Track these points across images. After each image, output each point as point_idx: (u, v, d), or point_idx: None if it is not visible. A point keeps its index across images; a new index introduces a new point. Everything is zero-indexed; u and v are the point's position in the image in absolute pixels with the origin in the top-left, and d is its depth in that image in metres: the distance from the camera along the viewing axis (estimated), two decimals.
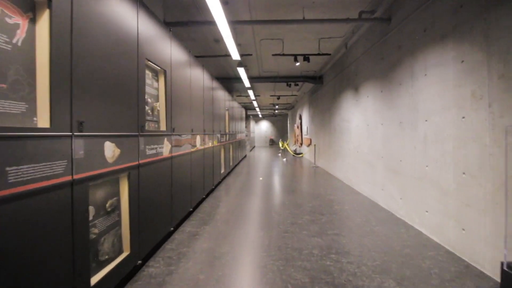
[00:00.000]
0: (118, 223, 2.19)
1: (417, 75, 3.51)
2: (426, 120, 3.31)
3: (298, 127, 15.61)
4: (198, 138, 4.39)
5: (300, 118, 14.86)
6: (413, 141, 3.60)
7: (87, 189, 1.73)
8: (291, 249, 2.91)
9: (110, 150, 1.95)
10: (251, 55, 5.61)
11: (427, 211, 3.32)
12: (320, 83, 9.05)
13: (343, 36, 5.42)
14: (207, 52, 5.93)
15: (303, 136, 13.96)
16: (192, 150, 4.07)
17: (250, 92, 9.88)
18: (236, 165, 9.90)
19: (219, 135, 6.32)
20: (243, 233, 3.36)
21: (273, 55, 5.64)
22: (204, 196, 4.83)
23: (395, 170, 4.08)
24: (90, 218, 1.86)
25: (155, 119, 2.92)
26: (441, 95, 3.04)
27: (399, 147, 3.94)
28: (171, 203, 3.16)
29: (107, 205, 2.05)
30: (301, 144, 14.83)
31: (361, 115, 5.47)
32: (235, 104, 9.85)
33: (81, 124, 1.66)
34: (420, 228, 3.45)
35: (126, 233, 2.25)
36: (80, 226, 1.66)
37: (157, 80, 3.02)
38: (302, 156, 12.59)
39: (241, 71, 6.54)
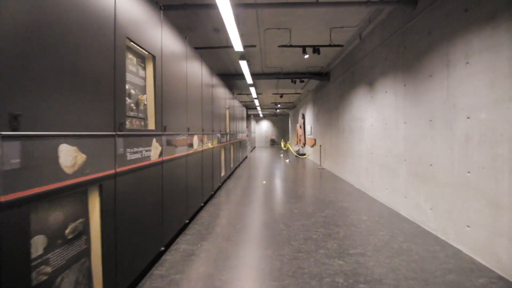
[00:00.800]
0: (85, 253, 1.64)
1: (454, 64, 2.96)
2: (468, 118, 2.76)
3: (300, 127, 15.07)
4: (195, 138, 3.84)
5: (303, 117, 14.32)
6: (448, 142, 3.05)
7: (27, 214, 1.18)
8: (308, 276, 2.36)
9: (69, 156, 1.40)
10: (254, 46, 5.07)
11: (468, 226, 2.77)
12: (327, 80, 8.51)
13: (357, 26, 4.87)
14: (206, 44, 5.39)
15: (307, 136, 13.41)
16: (189, 152, 3.52)
17: (252, 90, 9.33)
18: (237, 167, 9.35)
19: (219, 135, 5.77)
20: (247, 253, 2.81)
21: (279, 46, 5.10)
22: (202, 204, 4.28)
23: (423, 176, 3.53)
24: (39, 252, 1.31)
25: (141, 115, 2.37)
26: (491, 87, 2.49)
27: (429, 149, 3.40)
28: (161, 217, 2.60)
29: (67, 231, 1.50)
30: (304, 144, 14.28)
31: (377, 113, 4.92)
32: (236, 103, 9.30)
33: (15, 118, 1.11)
34: (459, 245, 2.91)
35: (97, 265, 1.69)
36: (13, 271, 1.11)
37: (144, 68, 2.47)
38: (306, 157, 12.04)
39: (243, 65, 5.99)
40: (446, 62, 3.08)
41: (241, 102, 12.45)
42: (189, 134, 3.51)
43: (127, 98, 2.10)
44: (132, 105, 2.21)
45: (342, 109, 7.18)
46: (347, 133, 6.73)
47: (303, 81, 8.12)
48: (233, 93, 9.00)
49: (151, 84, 2.49)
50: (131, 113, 2.20)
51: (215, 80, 5.39)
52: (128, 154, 1.99)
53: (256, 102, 13.07)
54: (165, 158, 2.67)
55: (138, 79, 2.34)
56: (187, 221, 3.45)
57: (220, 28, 4.86)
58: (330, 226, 3.58)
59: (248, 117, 19.15)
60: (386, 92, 4.56)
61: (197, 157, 3.97)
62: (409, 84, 3.85)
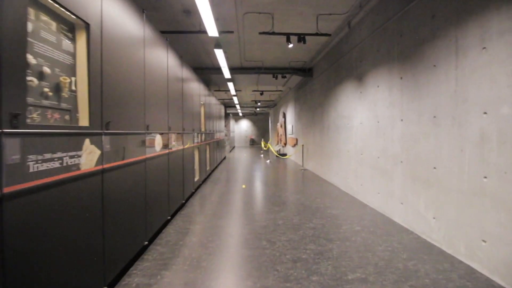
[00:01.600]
0: None
1: (465, 51, 2.52)
2: (484, 113, 2.33)
3: (281, 126, 14.63)
4: (158, 139, 3.14)
5: (284, 116, 13.88)
6: (458, 142, 2.62)
7: None
8: None
9: None
10: (232, 32, 4.44)
11: (484, 241, 2.34)
12: (310, 76, 8.06)
13: (346, 13, 4.40)
14: (174, 28, 4.66)
15: (288, 136, 12.98)
16: (149, 155, 2.82)
17: (230, 85, 8.66)
18: (214, 169, 8.65)
19: (192, 135, 5.07)
20: (222, 286, 2.18)
21: (260, 33, 4.50)
22: (169, 217, 3.57)
23: (424, 180, 3.10)
24: None
25: (65, 105, 1.66)
26: None
27: (432, 150, 2.96)
28: (102, 249, 1.90)
29: None
30: (285, 144, 13.85)
31: (367, 110, 4.49)
32: (213, 100, 8.60)
33: None
34: (471, 262, 2.48)
35: None
36: None
37: (74, 40, 1.76)
38: (287, 157, 11.59)
39: (219, 55, 5.33)
40: (455, 49, 2.64)
41: (219, 99, 11.73)
42: (148, 134, 2.80)
43: (32, 78, 1.39)
44: (47, 89, 1.50)
45: (326, 106, 6.75)
46: (333, 132, 6.29)
47: (285, 77, 7.61)
48: (209, 89, 8.29)
49: (83, 63, 1.78)
50: (45, 102, 1.49)
51: (186, 73, 4.69)
52: (32, 163, 1.29)
53: (235, 99, 12.42)
54: (107, 165, 1.97)
55: (60, 54, 1.62)
56: (146, 242, 2.74)
57: (191, 9, 4.17)
58: (321, 240, 3.04)
59: (227, 116, 18.43)
60: (378, 86, 4.12)
61: (162, 162, 3.27)
62: (407, 76, 3.41)
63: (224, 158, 12.69)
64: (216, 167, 9.19)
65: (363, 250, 2.81)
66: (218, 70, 7.74)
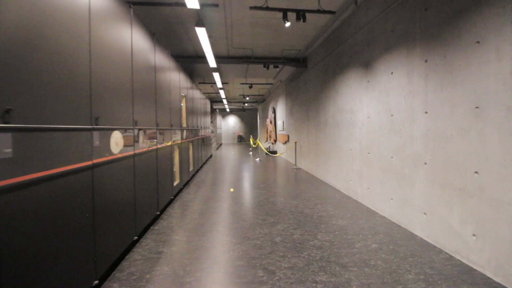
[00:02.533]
0: None
1: None
2: None
3: (271, 122, 13.93)
4: (116, 137, 2.33)
5: (274, 111, 13.19)
6: None
7: None
8: None
9: None
10: (216, 6, 3.65)
11: None
12: (304, 67, 7.37)
13: None
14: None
15: (278, 132, 12.30)
16: (101, 160, 2.02)
17: (216, 76, 7.83)
18: (199, 170, 7.84)
19: (173, 131, 4.27)
20: None
21: (251, 8, 3.74)
22: (136, 238, 2.78)
23: (460, 188, 2.47)
24: None
25: None
26: None
27: (473, 150, 2.34)
28: None
29: None
30: (275, 141, 13.19)
31: (376, 102, 3.84)
32: (197, 93, 7.76)
33: None
34: None
35: None
36: None
37: None
38: (279, 155, 10.91)
39: (202, 35, 4.52)
40: (511, 17, 2.00)
41: (204, 93, 10.88)
42: (98, 129, 2.00)
43: None
44: None
45: (323, 100, 6.08)
46: (331, 128, 5.64)
47: (277, 67, 6.87)
48: (193, 81, 7.45)
49: None
50: None
51: (161, 57, 3.87)
52: None
53: (222, 93, 11.58)
54: (26, 178, 1.18)
55: None
56: (96, 282, 1.96)
57: None
58: (333, 267, 2.36)
59: (213, 111, 17.56)
60: (392, 73, 3.47)
61: (123, 167, 2.47)
62: (433, 58, 2.77)
63: (211, 156, 11.87)
64: (201, 167, 8.39)
65: (390, 281, 2.15)
66: (203, 58, 6.90)
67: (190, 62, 7.06)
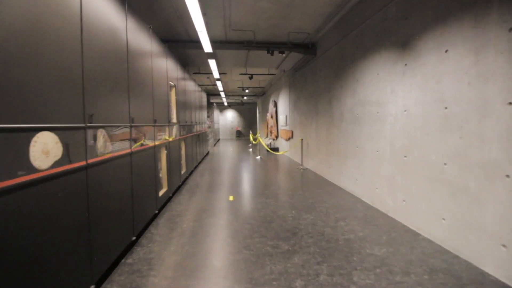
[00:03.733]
0: None
1: None
2: None
3: (272, 117, 13.03)
4: (44, 142, 1.43)
5: (275, 105, 12.28)
6: None
7: None
8: None
9: None
10: None
11: None
12: (312, 54, 6.45)
13: None
14: None
15: (280, 128, 11.42)
16: (44, 174, 1.13)
17: (212, 64, 6.89)
18: (193, 170, 6.96)
19: (162, 129, 3.38)
20: None
21: None
22: (93, 287, 1.91)
23: None
24: None
25: None
26: None
27: None
28: None
29: None
30: (277, 136, 12.31)
31: (419, 91, 2.96)
32: (191, 85, 6.83)
33: None
34: None
35: None
36: None
37: None
38: (283, 153, 10.03)
39: (193, 7, 3.58)
40: None
41: (200, 85, 9.95)
42: (23, 130, 1.11)
43: None
44: None
45: (337, 91, 5.19)
46: (348, 124, 4.77)
47: (283, 52, 5.95)
48: (186, 71, 6.52)
49: None
50: None
51: (137, 33, 2.95)
52: None
53: (219, 86, 10.63)
54: None
55: None
56: None
57: None
58: None
59: (211, 105, 16.62)
60: (447, 51, 2.58)
61: (61, 188, 1.58)
62: None
63: (207, 153, 10.99)
64: (196, 167, 7.51)
65: None
66: (197, 43, 5.96)
67: (182, 47, 6.12)
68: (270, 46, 5.91)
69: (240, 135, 23.72)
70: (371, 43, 3.96)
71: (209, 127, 14.69)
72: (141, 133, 2.97)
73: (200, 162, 8.36)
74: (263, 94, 16.40)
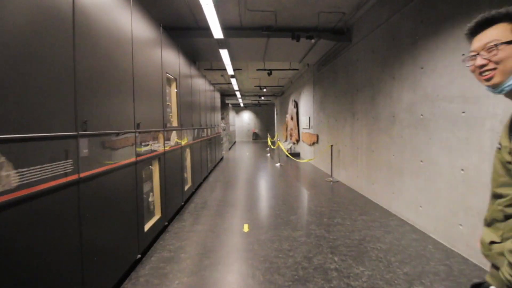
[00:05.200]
0: None
1: None
2: None
3: (292, 118, 11.82)
4: None
5: (296, 105, 11.06)
6: None
7: None
8: None
9: None
10: None
11: None
12: (346, 41, 5.24)
13: None
14: None
15: (302, 131, 10.19)
16: None
17: (225, 55, 5.81)
18: (202, 183, 5.92)
19: (154, 136, 2.34)
20: None
21: None
22: None
23: None
24: None
25: None
26: None
27: None
28: None
29: None
30: (297, 140, 11.09)
31: None
32: (201, 82, 5.83)
33: None
34: None
35: None
36: None
37: None
38: (306, 161, 8.79)
39: None
40: None
41: (212, 84, 8.98)
42: None
43: None
44: None
45: (387, 83, 3.95)
46: (405, 128, 3.52)
47: (311, 38, 4.76)
48: (195, 65, 5.52)
49: None
50: None
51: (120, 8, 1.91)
52: None
53: (234, 84, 9.60)
54: None
55: None
56: None
57: None
58: None
59: (226, 106, 15.68)
60: None
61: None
62: None
63: (221, 159, 9.98)
64: (206, 176, 6.48)
65: None
66: (206, 30, 4.92)
67: (188, 35, 5.11)
68: (295, 31, 4.76)
69: (257, 138, 22.66)
70: (449, 10, 2.71)
71: (223, 129, 13.74)
72: (119, 145, 1.94)
73: (212, 171, 7.33)
74: (281, 94, 15.22)
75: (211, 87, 7.55)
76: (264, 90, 11.84)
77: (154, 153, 2.88)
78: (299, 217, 3.66)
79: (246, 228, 3.31)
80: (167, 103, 3.56)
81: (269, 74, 7.89)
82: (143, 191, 2.64)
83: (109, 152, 1.93)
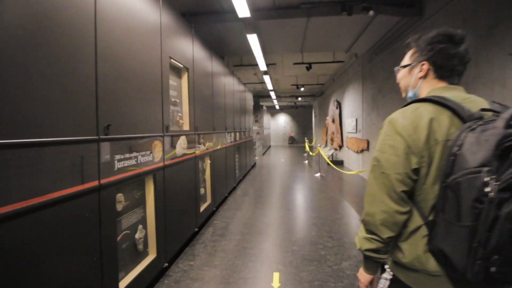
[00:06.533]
0: None
1: None
2: None
3: (333, 121, 10.43)
4: None
5: (339, 105, 9.68)
6: None
7: None
8: None
9: None
10: None
11: None
12: (415, 15, 3.91)
13: None
14: None
15: (346, 135, 8.78)
16: None
17: (254, 43, 4.79)
18: (227, 197, 4.98)
19: (147, 144, 1.47)
20: None
21: None
22: None
23: None
24: None
25: None
26: None
27: None
28: None
29: None
30: (340, 146, 9.66)
31: None
32: (229, 81, 4.95)
33: None
34: None
35: None
36: None
37: None
38: (355, 173, 7.39)
39: None
40: None
41: (246, 84, 8.11)
42: None
43: None
44: None
45: (499, 66, 2.59)
46: None
47: (367, 9, 3.50)
48: (224, 62, 4.67)
49: None
50: None
51: None
52: None
53: (268, 81, 8.59)
54: None
55: None
56: None
57: None
58: None
59: (259, 108, 14.79)
60: None
61: None
62: None
63: (254, 165, 9.03)
64: (234, 187, 5.56)
65: None
66: (232, 14, 4.00)
67: (211, 20, 4.25)
68: (345, 1, 3.58)
69: (293, 142, 21.38)
70: None
71: (257, 133, 12.83)
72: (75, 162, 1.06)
73: (241, 180, 6.40)
74: (321, 94, 13.84)
75: (242, 87, 6.66)
76: (302, 89, 10.63)
77: (143, 169, 1.99)
78: (355, 264, 2.47)
79: (276, 281, 2.24)
80: (173, 100, 2.69)
81: (308, 68, 6.74)
82: (119, 230, 1.74)
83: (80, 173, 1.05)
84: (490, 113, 0.73)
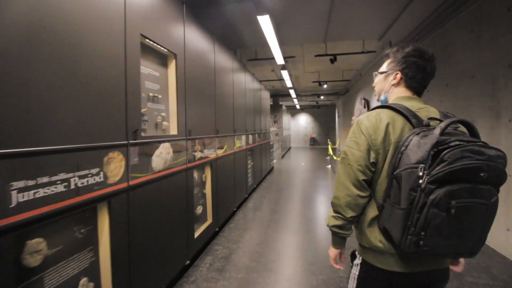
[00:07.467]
0: None
1: None
2: None
3: None
4: None
5: (366, 104, 8.63)
6: None
7: None
8: None
9: None
10: None
11: None
12: None
13: None
14: None
15: None
16: None
17: (266, 25, 3.96)
18: (236, 211, 4.26)
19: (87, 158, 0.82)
20: None
21: None
22: None
23: None
24: None
25: None
26: None
27: None
28: None
29: None
30: None
31: None
32: (240, 77, 4.25)
33: None
34: None
35: None
36: None
37: None
38: None
39: None
40: None
41: (263, 82, 7.36)
42: None
43: None
44: None
45: None
46: None
47: None
48: (237, 57, 3.97)
49: None
50: None
51: None
52: None
53: (286, 77, 7.76)
54: None
55: None
56: None
57: None
58: None
59: (278, 108, 14.00)
60: None
61: None
62: None
63: (271, 170, 8.26)
64: (245, 199, 4.83)
65: None
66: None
67: (219, 3, 3.56)
68: None
69: (315, 143, 20.30)
70: None
71: (276, 134, 12.03)
72: None
73: (254, 189, 5.67)
74: (345, 92, 12.74)
75: (257, 84, 5.93)
76: (325, 86, 9.67)
77: (83, 197, 1.32)
78: None
79: None
80: (152, 95, 2.01)
81: (333, 61, 5.84)
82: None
83: None
84: (436, 122, 0.90)
